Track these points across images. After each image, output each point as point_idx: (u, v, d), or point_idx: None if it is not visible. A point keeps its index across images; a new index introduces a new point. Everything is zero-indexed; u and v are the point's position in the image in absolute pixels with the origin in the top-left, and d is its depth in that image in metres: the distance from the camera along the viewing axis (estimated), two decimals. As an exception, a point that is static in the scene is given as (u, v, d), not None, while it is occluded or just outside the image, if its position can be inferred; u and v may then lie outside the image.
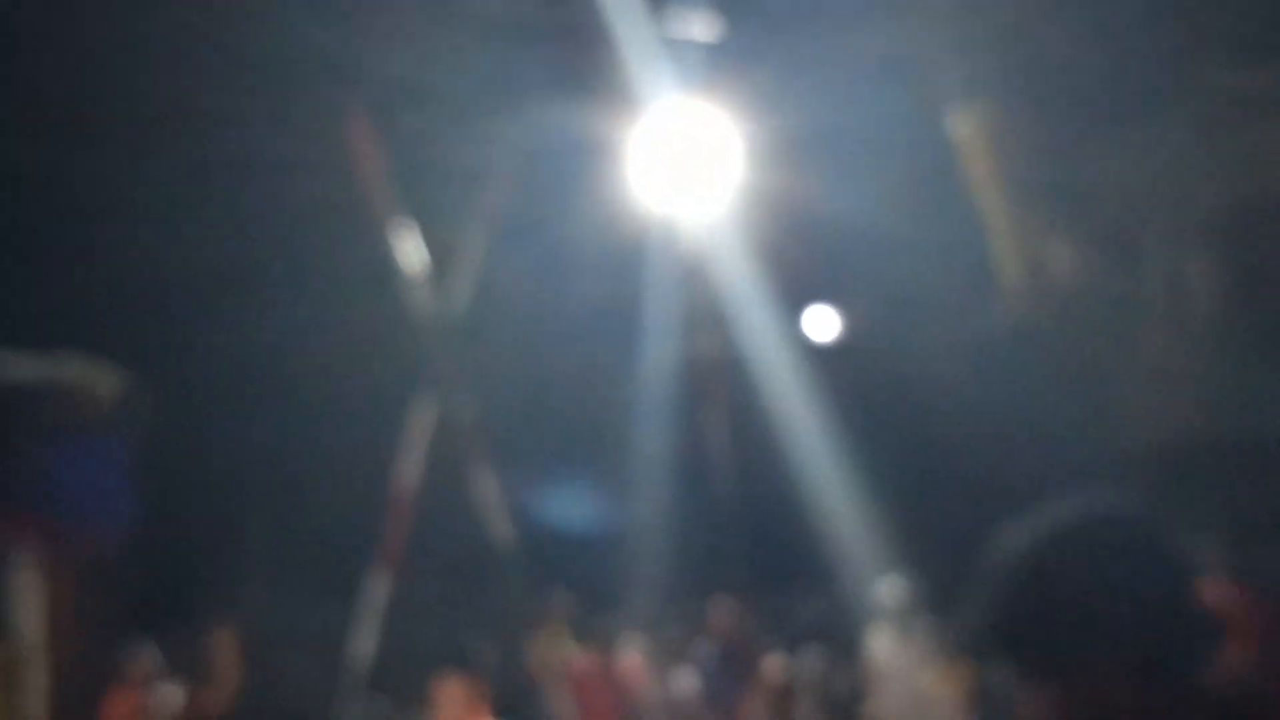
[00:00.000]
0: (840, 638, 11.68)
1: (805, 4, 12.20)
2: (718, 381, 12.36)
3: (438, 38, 12.13)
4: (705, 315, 12.60)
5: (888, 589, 10.93)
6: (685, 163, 12.36)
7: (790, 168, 12.90)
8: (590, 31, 11.84)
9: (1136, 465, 14.29)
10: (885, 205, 13.35)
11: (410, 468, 11.61)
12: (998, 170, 11.50)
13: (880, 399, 13.43)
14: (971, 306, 12.35)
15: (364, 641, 10.68)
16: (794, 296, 13.18)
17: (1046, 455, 14.11)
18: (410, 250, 12.23)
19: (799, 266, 13.24)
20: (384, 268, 12.33)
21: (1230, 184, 14.76)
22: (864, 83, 12.85)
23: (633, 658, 10.70)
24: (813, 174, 13.27)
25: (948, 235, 12.62)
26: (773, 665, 10.66)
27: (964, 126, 11.48)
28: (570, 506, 13.11)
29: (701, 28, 11.92)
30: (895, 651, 10.75)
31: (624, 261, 12.90)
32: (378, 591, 10.87)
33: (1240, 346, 14.82)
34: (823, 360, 13.30)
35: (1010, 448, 13.56)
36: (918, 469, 13.76)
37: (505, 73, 12.27)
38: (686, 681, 10.85)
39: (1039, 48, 11.90)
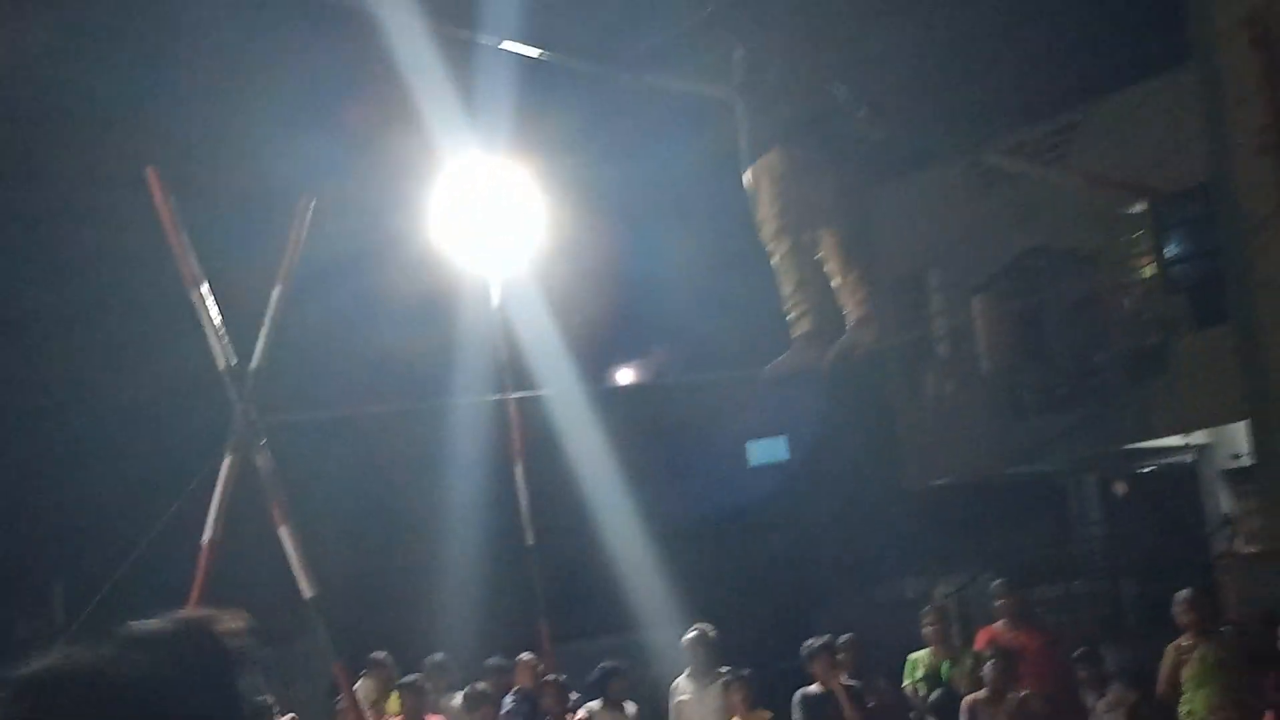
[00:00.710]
0: (643, 684, 11.92)
1: (604, 56, 12.48)
2: (522, 433, 12.52)
3: (239, 90, 12.13)
4: (509, 367, 12.76)
5: (690, 637, 11.20)
6: (488, 218, 12.52)
7: (591, 221, 13.16)
8: (393, 86, 11.94)
9: (920, 505, 14.84)
10: (684, 254, 13.67)
11: (214, 520, 11.50)
12: (784, 220, 11.85)
13: (677, 443, 13.75)
14: (767, 352, 12.71)
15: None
16: (596, 347, 13.43)
17: (835, 496, 14.58)
18: (210, 302, 12.13)
19: (601, 317, 13.51)
20: (184, 319, 12.20)
21: (1011, 235, 15.43)
22: (663, 135, 13.17)
23: (445, 712, 10.82)
24: (613, 226, 13.55)
25: (743, 283, 12.99)
26: (577, 715, 10.91)
27: (755, 176, 11.82)
28: (378, 558, 13.15)
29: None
30: (697, 698, 11.03)
31: (427, 313, 13.00)
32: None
33: (1019, 392, 15.47)
34: (623, 408, 13.57)
35: (803, 492, 14.00)
36: (705, 517, 14.09)
37: (310, 124, 12.30)
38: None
39: (830, 100, 12.35)
